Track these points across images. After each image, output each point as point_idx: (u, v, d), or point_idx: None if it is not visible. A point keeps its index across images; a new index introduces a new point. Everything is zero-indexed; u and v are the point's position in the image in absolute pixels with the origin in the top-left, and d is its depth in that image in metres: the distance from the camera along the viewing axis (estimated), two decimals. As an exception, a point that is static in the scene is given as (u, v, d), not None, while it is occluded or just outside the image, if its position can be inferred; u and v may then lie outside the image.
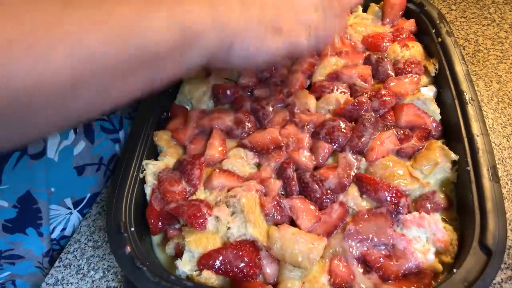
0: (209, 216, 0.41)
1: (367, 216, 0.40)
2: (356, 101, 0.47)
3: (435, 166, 0.43)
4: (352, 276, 0.38)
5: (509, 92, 0.60)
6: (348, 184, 0.42)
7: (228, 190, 0.43)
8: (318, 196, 0.42)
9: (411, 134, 0.46)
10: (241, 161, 0.46)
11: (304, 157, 0.45)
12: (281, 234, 0.39)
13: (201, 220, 0.40)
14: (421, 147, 0.45)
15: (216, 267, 0.38)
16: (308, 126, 0.47)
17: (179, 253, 0.41)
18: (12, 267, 0.49)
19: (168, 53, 0.35)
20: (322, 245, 0.39)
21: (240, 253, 0.39)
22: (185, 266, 0.39)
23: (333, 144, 0.45)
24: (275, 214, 0.41)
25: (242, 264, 0.39)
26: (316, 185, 0.42)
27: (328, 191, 0.42)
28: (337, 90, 0.50)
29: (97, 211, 0.54)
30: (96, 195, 0.56)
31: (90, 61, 0.30)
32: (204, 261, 0.39)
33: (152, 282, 0.37)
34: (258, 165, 0.47)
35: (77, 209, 0.54)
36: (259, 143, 0.46)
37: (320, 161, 0.45)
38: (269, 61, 0.41)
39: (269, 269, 0.40)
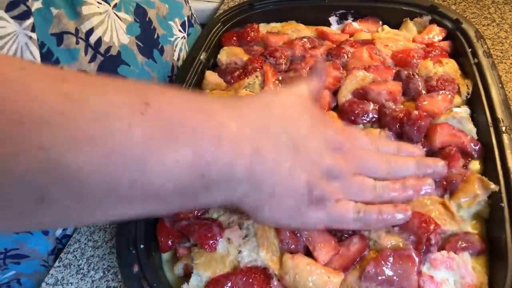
0: (220, 238, 0.37)
1: (391, 257, 0.35)
2: None
3: (475, 199, 0.38)
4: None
5: (509, 92, 0.56)
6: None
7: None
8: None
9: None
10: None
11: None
12: (295, 263, 0.36)
13: (212, 241, 0.37)
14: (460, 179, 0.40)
15: (226, 295, 0.35)
16: None
17: (187, 274, 0.38)
18: (17, 266, 0.48)
19: (172, 197, 0.28)
20: (338, 279, 0.35)
21: (250, 280, 0.36)
22: (191, 288, 0.36)
23: None
24: (290, 242, 0.38)
25: None
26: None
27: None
28: (366, 116, 0.46)
29: None
30: None
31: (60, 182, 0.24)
32: (212, 287, 0.36)
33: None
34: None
35: None
36: None
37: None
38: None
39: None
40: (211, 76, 0.53)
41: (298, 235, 0.38)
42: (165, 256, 0.41)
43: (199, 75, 0.53)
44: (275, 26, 0.60)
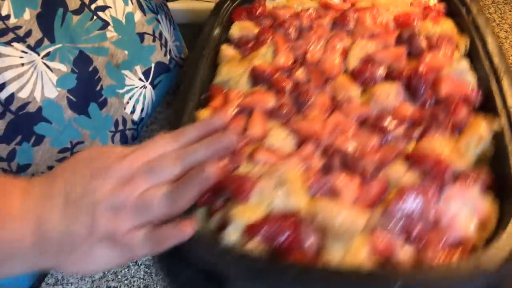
0: (253, 189, 0.40)
1: (410, 191, 0.38)
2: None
3: (480, 140, 0.41)
4: (393, 249, 0.37)
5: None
6: (392, 159, 0.41)
7: (270, 167, 0.42)
8: (360, 171, 0.41)
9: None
10: (283, 141, 0.45)
11: (349, 146, 0.43)
12: (323, 205, 0.39)
13: (245, 193, 0.40)
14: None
15: (261, 237, 0.38)
16: (353, 116, 0.46)
17: (223, 226, 0.41)
18: None
19: None
20: (364, 217, 0.38)
21: (284, 224, 0.38)
22: (231, 237, 0.39)
23: (384, 136, 0.44)
24: (317, 188, 0.41)
25: (286, 235, 0.38)
26: (358, 161, 0.41)
27: (371, 167, 0.41)
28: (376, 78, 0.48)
29: None
30: None
31: None
32: (249, 232, 0.38)
33: (204, 250, 0.37)
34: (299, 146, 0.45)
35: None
36: (302, 129, 0.45)
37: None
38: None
39: (311, 240, 0.39)
40: (227, 50, 0.55)
41: (325, 180, 0.41)
42: (200, 212, 0.44)
43: (213, 51, 0.56)
44: (280, 1, 0.62)
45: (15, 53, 0.45)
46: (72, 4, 0.50)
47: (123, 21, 0.57)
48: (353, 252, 0.37)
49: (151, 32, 0.62)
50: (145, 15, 0.62)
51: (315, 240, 0.39)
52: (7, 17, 0.44)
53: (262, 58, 0.53)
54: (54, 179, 0.36)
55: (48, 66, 0.48)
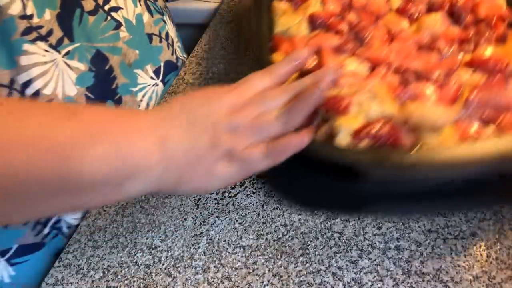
0: (351, 103, 0.46)
1: (483, 85, 0.46)
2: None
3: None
4: (478, 134, 0.44)
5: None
6: (456, 68, 0.49)
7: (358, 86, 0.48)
8: (433, 80, 0.48)
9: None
10: (357, 67, 0.51)
11: (416, 64, 0.50)
12: (415, 107, 0.45)
13: (345, 106, 0.46)
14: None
15: (369, 139, 0.44)
16: (410, 43, 0.53)
17: (329, 138, 0.46)
18: None
19: (98, 186, 0.32)
20: (452, 111, 0.45)
21: (385, 126, 0.44)
22: (343, 142, 0.44)
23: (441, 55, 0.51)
24: (403, 97, 0.47)
25: (388, 135, 0.44)
26: (429, 73, 0.49)
27: (441, 75, 0.48)
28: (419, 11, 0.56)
29: (97, 211, 0.55)
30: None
31: (9, 177, 0.29)
32: (357, 136, 0.43)
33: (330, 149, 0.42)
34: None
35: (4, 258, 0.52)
36: (371, 57, 0.51)
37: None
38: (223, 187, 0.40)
39: (408, 137, 0.46)
40: (279, 4, 0.61)
41: (407, 89, 0.47)
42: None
43: (265, 8, 0.60)
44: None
45: (40, 51, 0.47)
46: (87, 5, 0.53)
47: (134, 21, 0.60)
48: (445, 140, 0.45)
49: (157, 33, 0.66)
50: (152, 16, 0.65)
51: (411, 137, 0.46)
52: (31, 16, 0.46)
53: (313, 8, 0.59)
54: (170, 106, 0.38)
55: (68, 65, 0.50)
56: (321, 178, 0.44)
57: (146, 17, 0.63)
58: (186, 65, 0.74)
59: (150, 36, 0.64)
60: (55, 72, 0.48)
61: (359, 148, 0.44)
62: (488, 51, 0.49)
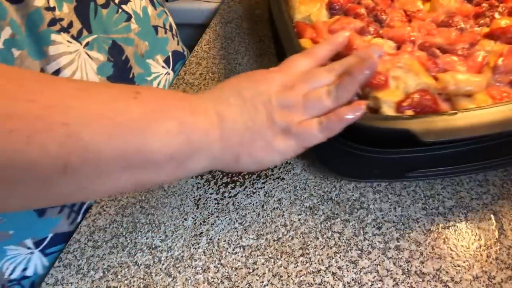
0: (389, 77, 0.48)
1: (507, 52, 0.48)
2: None
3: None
4: (507, 95, 0.48)
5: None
6: (478, 40, 0.51)
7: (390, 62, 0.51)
8: (458, 53, 0.50)
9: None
10: (385, 45, 0.53)
11: (439, 39, 0.52)
12: (450, 76, 0.48)
13: (383, 79, 0.47)
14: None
15: (411, 109, 0.46)
16: (428, 20, 0.55)
17: (373, 112, 0.47)
18: None
19: (166, 161, 0.34)
20: (484, 77, 0.47)
21: (424, 96, 0.47)
22: (388, 113, 0.47)
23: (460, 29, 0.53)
24: (435, 69, 0.49)
25: (428, 103, 0.46)
26: (453, 45, 0.51)
27: (464, 48, 0.51)
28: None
29: (97, 211, 0.55)
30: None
31: (81, 152, 0.29)
32: (400, 107, 0.45)
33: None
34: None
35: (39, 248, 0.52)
36: (395, 36, 0.53)
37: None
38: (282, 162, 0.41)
39: (446, 105, 0.48)
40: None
41: (437, 62, 0.50)
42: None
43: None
44: None
45: (65, 42, 0.48)
46: None
47: (141, 14, 0.62)
48: (478, 104, 0.47)
49: (162, 25, 0.68)
50: (155, 9, 0.67)
51: (448, 105, 0.48)
52: (54, 8, 0.47)
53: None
54: (221, 87, 0.40)
55: (89, 55, 0.51)
56: (368, 148, 0.46)
57: (150, 9, 0.65)
58: (186, 65, 0.74)
59: (155, 28, 0.65)
60: (79, 61, 0.49)
61: (406, 116, 0.46)
62: (503, 22, 0.53)
